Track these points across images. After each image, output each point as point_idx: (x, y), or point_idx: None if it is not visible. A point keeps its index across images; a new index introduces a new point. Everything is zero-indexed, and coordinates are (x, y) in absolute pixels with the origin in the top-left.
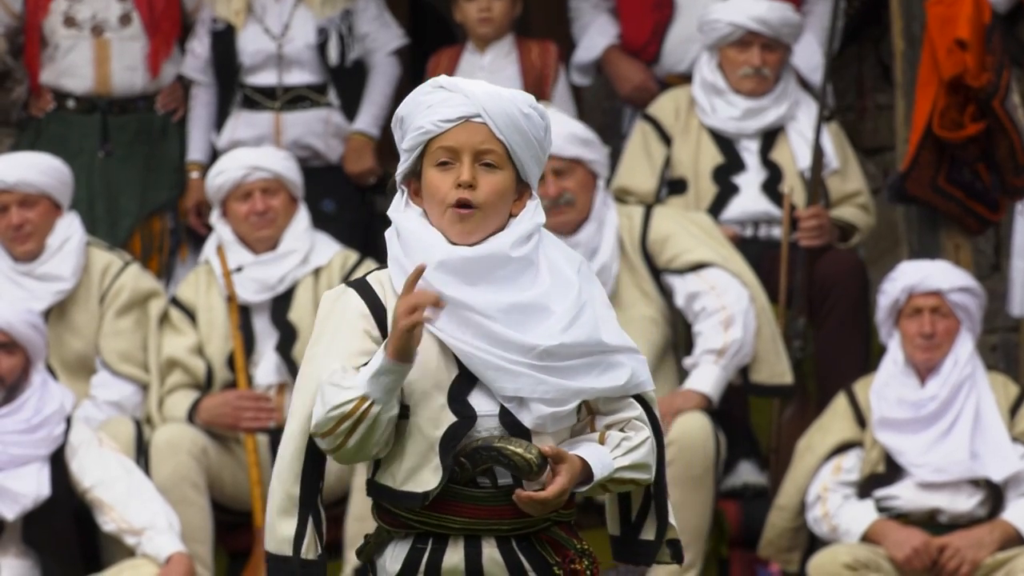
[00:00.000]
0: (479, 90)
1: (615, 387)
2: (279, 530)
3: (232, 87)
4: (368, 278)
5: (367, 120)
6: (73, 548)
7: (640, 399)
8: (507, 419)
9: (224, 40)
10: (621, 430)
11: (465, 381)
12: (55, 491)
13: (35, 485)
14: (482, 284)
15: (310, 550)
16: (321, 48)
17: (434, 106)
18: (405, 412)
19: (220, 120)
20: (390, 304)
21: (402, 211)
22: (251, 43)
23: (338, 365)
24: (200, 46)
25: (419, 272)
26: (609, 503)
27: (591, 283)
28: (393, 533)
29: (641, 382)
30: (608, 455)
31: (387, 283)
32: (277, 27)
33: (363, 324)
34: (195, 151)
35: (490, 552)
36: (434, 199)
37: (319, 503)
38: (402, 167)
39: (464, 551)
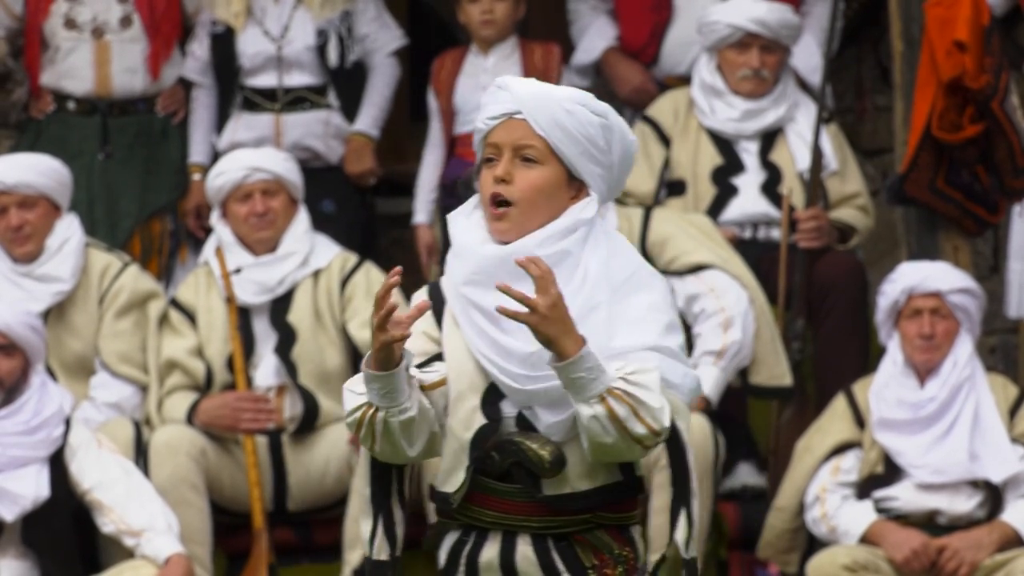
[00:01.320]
0: (522, 88)
1: None
2: (362, 531)
3: (232, 89)
4: (442, 278)
5: (367, 121)
6: (72, 549)
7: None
8: (522, 423)
9: (224, 42)
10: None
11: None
12: (54, 492)
13: (34, 486)
14: (513, 285)
15: (381, 551)
16: (321, 50)
17: (486, 105)
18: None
19: (221, 122)
20: (448, 300)
21: (468, 213)
22: (251, 45)
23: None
24: (200, 48)
25: (390, 285)
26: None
27: (640, 289)
28: (448, 524)
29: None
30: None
31: None
32: (276, 29)
33: (422, 325)
34: (197, 153)
35: (524, 549)
36: (481, 196)
37: (392, 504)
38: (477, 166)
39: (499, 546)
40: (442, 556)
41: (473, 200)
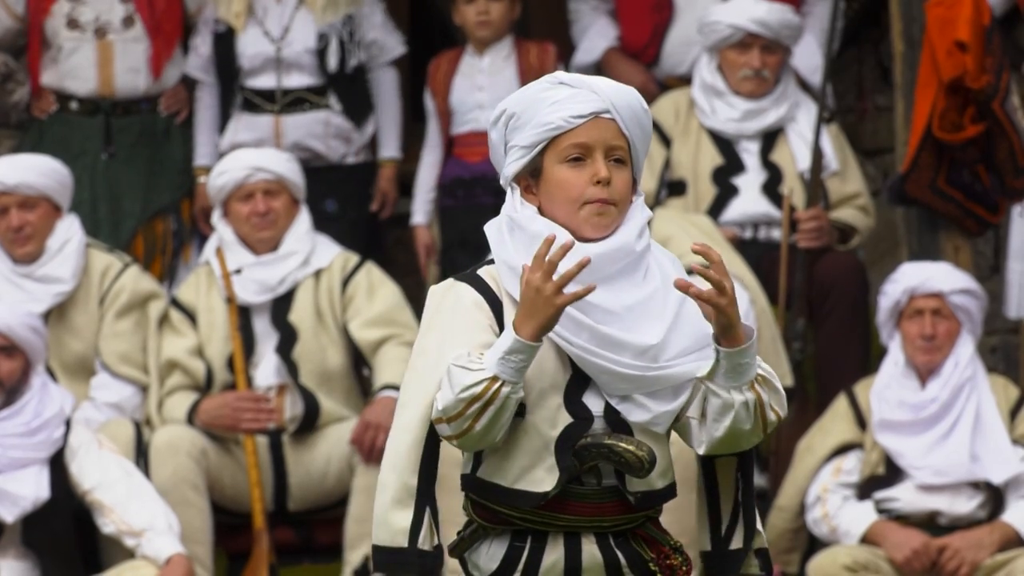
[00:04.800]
0: (605, 86)
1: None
2: (394, 521)
3: (232, 89)
4: (479, 272)
5: (393, 144)
6: (73, 550)
7: None
8: (612, 418)
9: (224, 42)
10: None
11: (579, 381)
12: (55, 493)
13: (34, 487)
14: (615, 280)
15: (426, 541)
16: (320, 54)
17: (561, 102)
18: (521, 410)
19: (223, 122)
20: (506, 300)
21: (518, 210)
22: (250, 46)
23: (464, 350)
24: (203, 45)
25: (562, 246)
26: (699, 517)
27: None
28: (490, 530)
29: None
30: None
31: (499, 280)
32: (277, 30)
33: (481, 316)
34: (201, 156)
35: (590, 549)
36: (565, 196)
37: (435, 495)
38: (517, 163)
39: (564, 549)
40: (487, 564)
41: (515, 196)
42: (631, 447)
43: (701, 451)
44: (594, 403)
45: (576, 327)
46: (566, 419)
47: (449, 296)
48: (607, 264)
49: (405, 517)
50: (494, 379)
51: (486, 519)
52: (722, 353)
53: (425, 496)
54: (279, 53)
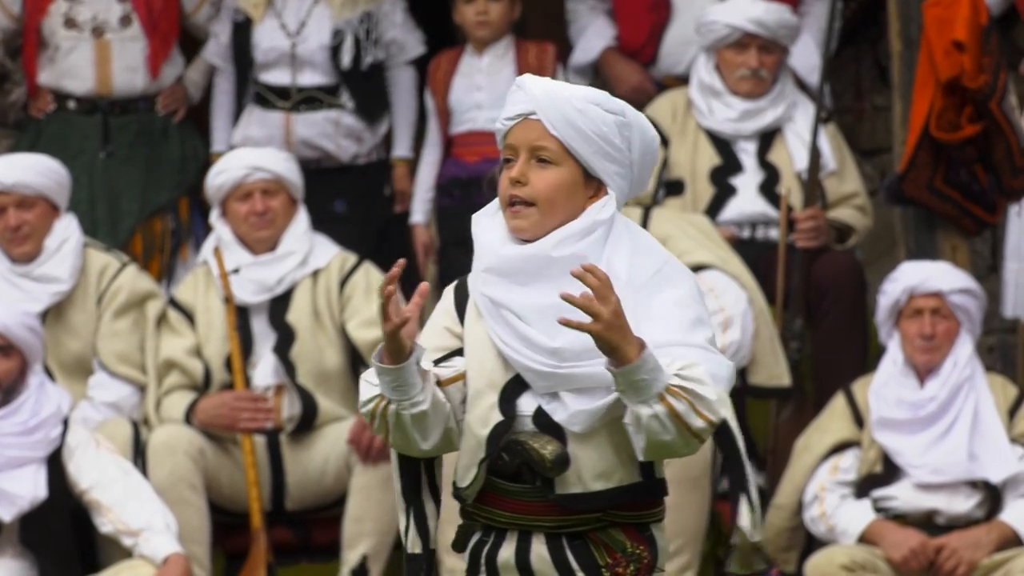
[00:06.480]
0: (537, 87)
1: None
2: (399, 524)
3: (247, 80)
4: (470, 274)
5: (406, 144)
6: (70, 549)
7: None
8: (541, 420)
9: (242, 32)
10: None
11: (520, 381)
12: (52, 493)
13: (32, 487)
14: (532, 283)
15: (415, 544)
16: (335, 51)
17: (507, 105)
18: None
19: (238, 112)
20: (470, 302)
21: (492, 213)
22: (266, 39)
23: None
24: (223, 32)
25: (392, 276)
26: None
27: (665, 286)
28: (473, 525)
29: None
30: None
31: None
32: (294, 24)
33: (445, 321)
34: (218, 141)
35: (538, 548)
36: (499, 197)
37: (423, 497)
38: (500, 166)
39: (515, 545)
40: (467, 555)
41: (496, 201)
42: (536, 445)
43: (640, 458)
44: (529, 403)
45: (504, 326)
46: (497, 418)
47: (439, 302)
48: (524, 269)
49: (402, 521)
50: (381, 397)
51: (464, 515)
52: (614, 373)
53: (410, 499)
54: (294, 49)
